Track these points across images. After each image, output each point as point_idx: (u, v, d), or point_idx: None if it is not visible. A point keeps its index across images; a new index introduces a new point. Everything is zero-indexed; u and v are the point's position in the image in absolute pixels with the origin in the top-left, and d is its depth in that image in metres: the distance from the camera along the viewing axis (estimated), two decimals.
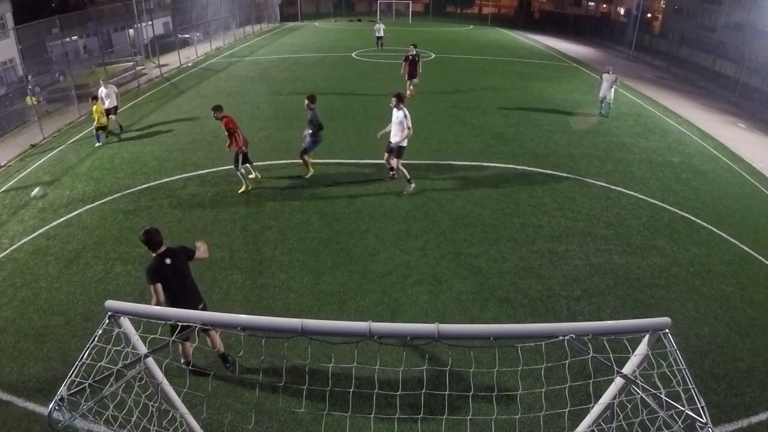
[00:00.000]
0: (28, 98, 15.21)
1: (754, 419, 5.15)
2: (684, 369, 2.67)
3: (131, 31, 25.67)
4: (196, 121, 14.02)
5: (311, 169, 10.33)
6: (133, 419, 3.40)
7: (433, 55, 24.95)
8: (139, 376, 3.23)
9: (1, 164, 11.93)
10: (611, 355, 2.91)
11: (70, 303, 6.71)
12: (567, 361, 3.19)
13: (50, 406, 2.67)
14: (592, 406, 3.35)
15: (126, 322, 3.04)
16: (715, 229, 9.02)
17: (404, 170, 9.65)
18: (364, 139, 12.54)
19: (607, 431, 3.30)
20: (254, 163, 10.35)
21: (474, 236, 8.43)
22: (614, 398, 3.13)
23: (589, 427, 3.36)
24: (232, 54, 25.89)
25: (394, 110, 9.38)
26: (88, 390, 2.81)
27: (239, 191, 9.69)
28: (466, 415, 4.87)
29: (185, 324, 2.93)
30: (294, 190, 9.95)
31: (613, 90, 15.05)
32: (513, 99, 17.18)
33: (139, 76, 19.95)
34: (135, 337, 3.07)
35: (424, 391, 4.31)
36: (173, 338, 3.10)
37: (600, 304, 6.88)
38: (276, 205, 9.33)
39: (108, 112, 12.98)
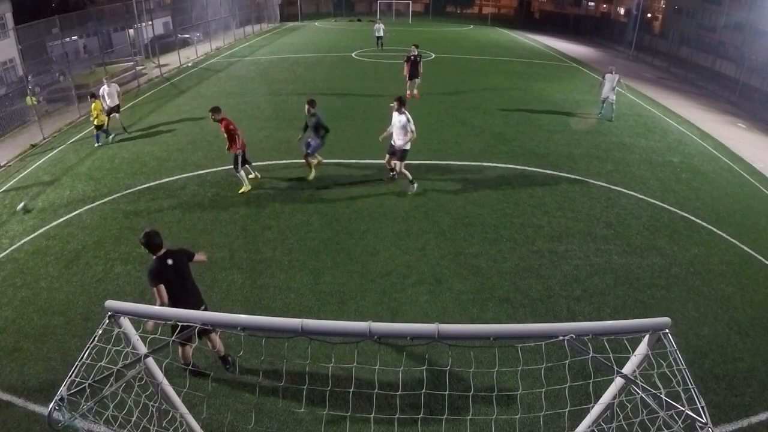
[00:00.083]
0: (28, 98, 15.20)
1: (754, 419, 5.16)
2: (684, 369, 2.67)
3: (131, 31, 25.66)
4: (196, 121, 14.02)
5: (314, 170, 10.25)
6: (133, 419, 3.40)
7: (433, 55, 24.95)
8: (139, 376, 3.23)
9: (1, 164, 11.93)
10: (611, 355, 2.91)
11: (70, 303, 6.71)
12: (567, 361, 3.19)
13: (50, 406, 2.67)
14: (592, 406, 3.36)
15: (126, 322, 3.04)
16: (715, 229, 9.02)
17: (407, 172, 9.65)
18: (364, 140, 12.54)
19: (607, 431, 3.30)
20: (254, 163, 10.36)
21: (474, 236, 8.43)
22: (614, 398, 3.13)
23: (589, 427, 3.36)
24: (232, 54, 25.90)
25: (396, 114, 9.32)
26: (88, 390, 2.81)
27: (239, 191, 9.70)
28: (466, 415, 4.88)
29: (185, 324, 2.92)
30: (294, 190, 9.95)
31: (615, 91, 14.86)
32: (513, 99, 17.18)
33: (139, 76, 19.95)
34: (135, 337, 3.07)
35: (424, 391, 4.31)
36: (173, 338, 3.10)
37: (600, 304, 6.88)
38: (276, 205, 9.33)
39: (110, 111, 12.96)
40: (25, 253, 7.94)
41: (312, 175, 10.22)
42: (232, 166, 9.59)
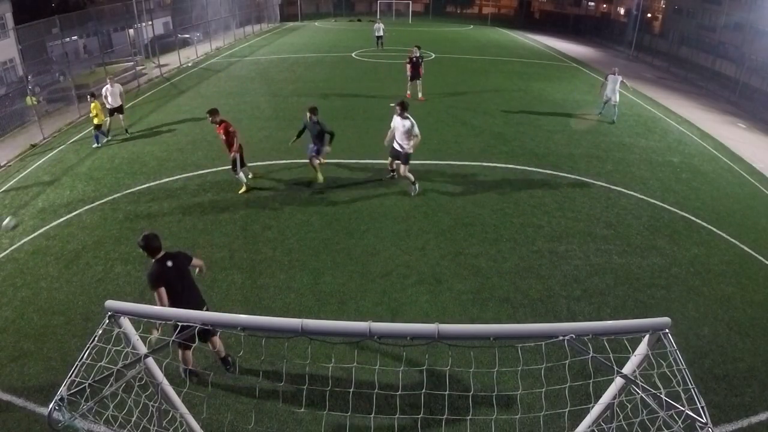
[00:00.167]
0: (28, 98, 15.20)
1: (754, 419, 5.16)
2: (684, 369, 2.67)
3: (131, 31, 25.66)
4: (196, 121, 14.01)
5: (320, 173, 10.00)
6: (133, 419, 3.40)
7: (434, 55, 24.95)
8: (139, 376, 3.23)
9: (1, 164, 11.93)
10: (611, 355, 2.91)
11: (70, 303, 6.71)
12: (567, 361, 3.19)
13: (50, 406, 2.67)
14: (592, 406, 3.36)
15: (126, 322, 3.04)
16: (715, 229, 9.02)
17: (410, 175, 9.62)
18: (364, 140, 12.54)
19: (607, 431, 3.30)
20: (254, 164, 10.36)
21: (474, 236, 8.43)
22: (614, 398, 3.13)
23: (589, 427, 3.36)
24: (232, 54, 25.90)
25: (398, 118, 9.22)
26: (88, 390, 2.81)
27: (239, 191, 9.70)
28: (466, 415, 4.87)
29: (185, 324, 2.92)
30: (294, 190, 9.95)
31: (618, 92, 14.66)
32: (513, 99, 17.18)
33: (139, 76, 19.95)
34: (135, 337, 3.07)
35: (424, 391, 4.31)
36: (173, 338, 3.09)
37: (600, 304, 6.88)
38: (276, 205, 9.33)
39: (112, 111, 12.93)
40: (25, 253, 7.95)
41: (320, 178, 9.99)
42: (231, 170, 9.59)
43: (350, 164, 11.03)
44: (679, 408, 2.65)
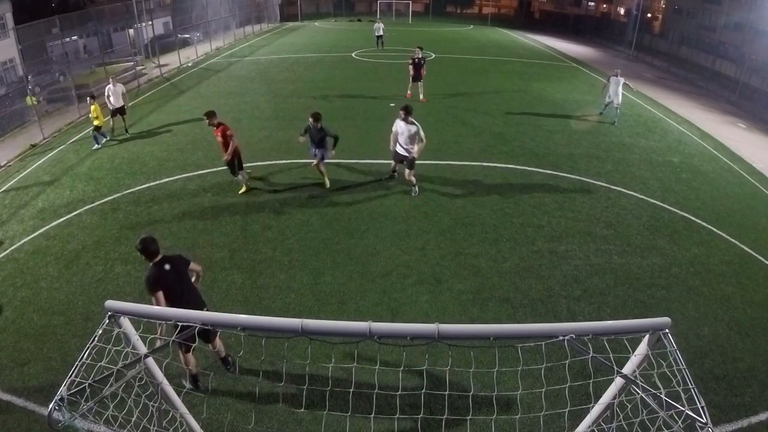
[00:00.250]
0: (28, 98, 15.20)
1: (754, 419, 5.16)
2: (684, 369, 2.67)
3: (131, 31, 25.67)
4: (196, 121, 14.00)
5: (327, 177, 9.94)
6: (133, 419, 3.40)
7: (433, 55, 24.94)
8: (139, 376, 3.23)
9: (1, 164, 11.94)
10: (611, 355, 2.91)
11: (70, 303, 6.71)
12: (567, 361, 3.19)
13: (50, 406, 2.67)
14: (592, 406, 3.36)
15: (126, 322, 3.04)
16: (715, 229, 9.02)
17: (414, 179, 9.61)
18: (364, 140, 12.55)
19: (607, 431, 3.30)
20: (254, 164, 10.36)
21: (474, 236, 8.43)
22: (614, 398, 3.13)
23: (589, 427, 3.36)
24: (232, 54, 25.90)
25: (402, 123, 9.09)
26: (88, 390, 2.81)
27: (239, 192, 9.69)
28: (466, 415, 4.87)
29: (185, 324, 2.92)
30: (294, 190, 9.95)
31: (621, 94, 14.50)
32: (513, 99, 17.18)
33: (139, 76, 19.96)
34: (135, 337, 3.07)
35: (424, 391, 4.31)
36: (173, 338, 3.09)
37: (600, 304, 6.88)
38: (276, 205, 9.33)
39: (114, 112, 12.89)
40: (25, 253, 7.95)
41: (327, 183, 9.92)
42: (230, 172, 9.54)
43: (350, 164, 11.03)
44: (679, 408, 2.65)
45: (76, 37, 25.71)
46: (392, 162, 9.91)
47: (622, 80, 14.40)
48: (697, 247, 8.41)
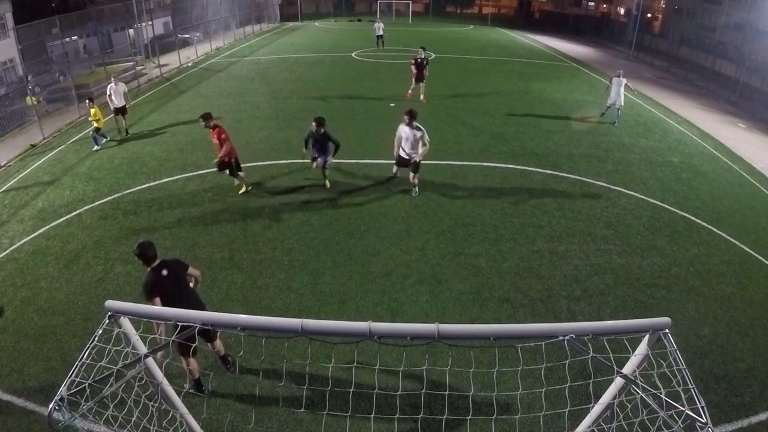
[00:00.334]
0: (28, 98, 15.19)
1: (754, 419, 5.16)
2: (684, 369, 2.67)
3: (131, 31, 25.67)
4: (196, 122, 13.89)
5: (328, 180, 9.97)
6: (133, 419, 3.40)
7: (433, 55, 24.92)
8: (139, 376, 3.23)
9: (1, 164, 11.94)
10: (611, 355, 2.91)
11: (70, 303, 6.71)
12: (567, 361, 3.19)
13: (50, 406, 2.67)
14: (592, 406, 3.36)
15: (126, 322, 3.04)
16: (715, 229, 9.02)
17: (416, 181, 9.59)
18: (364, 140, 12.55)
19: (607, 431, 3.30)
20: (254, 164, 10.35)
21: (474, 236, 8.43)
22: (614, 398, 3.13)
23: (589, 427, 3.36)
24: (232, 54, 25.90)
25: (407, 128, 8.98)
26: (88, 390, 2.81)
27: (239, 192, 9.69)
28: (466, 415, 4.87)
29: (185, 325, 2.92)
30: (294, 190, 9.94)
31: (623, 96, 14.38)
32: (513, 99, 17.18)
33: (139, 76, 19.95)
34: (135, 337, 3.07)
35: (424, 391, 4.31)
36: (173, 338, 3.09)
37: (600, 304, 6.88)
38: (276, 205, 9.33)
39: (117, 111, 12.85)
40: (25, 253, 7.95)
41: (328, 183, 9.93)
42: (230, 175, 9.50)
43: (350, 164, 11.02)
44: (679, 408, 2.65)
45: (76, 37, 25.71)
46: (394, 167, 9.89)
47: (624, 81, 14.29)
48: (697, 247, 8.41)
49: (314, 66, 22.05)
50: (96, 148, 12.23)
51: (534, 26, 42.14)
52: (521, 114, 15.36)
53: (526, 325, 2.76)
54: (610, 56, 30.14)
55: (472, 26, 41.31)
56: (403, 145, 9.21)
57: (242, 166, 9.70)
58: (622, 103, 14.57)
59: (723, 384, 5.58)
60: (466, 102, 16.46)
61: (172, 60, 23.10)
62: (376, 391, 4.05)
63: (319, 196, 9.68)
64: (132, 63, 20.85)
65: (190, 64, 23.07)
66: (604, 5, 44.32)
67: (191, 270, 5.06)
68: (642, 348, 2.91)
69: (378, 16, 41.65)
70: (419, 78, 15.67)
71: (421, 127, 8.91)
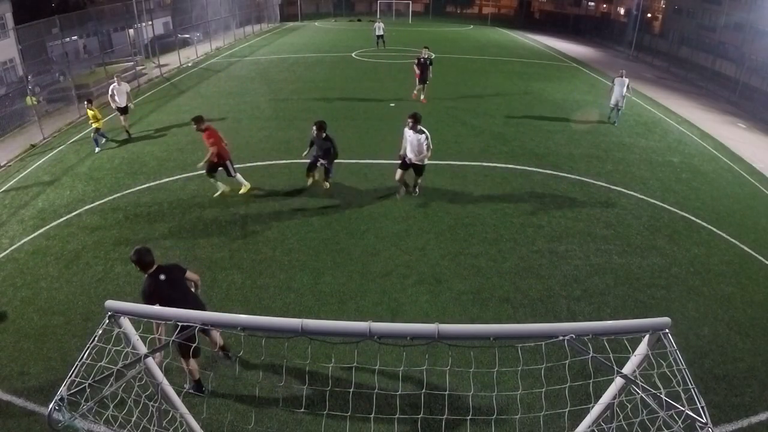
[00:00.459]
0: (28, 98, 15.18)
1: (754, 419, 5.16)
2: (684, 369, 2.67)
3: (131, 31, 25.67)
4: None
5: (312, 179, 9.86)
6: (133, 419, 3.40)
7: (434, 55, 24.91)
8: (139, 376, 3.23)
9: (1, 164, 11.94)
10: (611, 355, 2.91)
11: (70, 303, 6.71)
12: (567, 361, 3.19)
13: (50, 406, 2.67)
14: (592, 406, 3.35)
15: (126, 322, 3.03)
16: (715, 229, 9.02)
17: (420, 181, 9.52)
18: (364, 139, 12.55)
19: (607, 431, 3.29)
20: (254, 164, 10.33)
21: (474, 236, 8.43)
22: (614, 398, 3.13)
23: (589, 427, 3.36)
24: (232, 54, 25.90)
25: (411, 132, 8.75)
26: (88, 390, 2.81)
27: (240, 192, 9.68)
28: (466, 415, 4.88)
29: (185, 325, 2.92)
30: (294, 190, 9.94)
31: (625, 97, 14.27)
32: (513, 99, 17.18)
33: (139, 76, 19.95)
34: (135, 337, 3.07)
35: (424, 391, 4.31)
36: (173, 338, 3.09)
37: (600, 304, 6.88)
38: (276, 205, 9.33)
39: (119, 111, 12.80)
40: (25, 253, 7.95)
41: (328, 183, 9.84)
42: (227, 174, 9.43)
43: (350, 164, 11.02)
44: (679, 408, 2.65)
45: (76, 37, 25.71)
46: (398, 191, 9.57)
47: (626, 81, 14.14)
48: (697, 247, 8.41)
49: (314, 66, 22.05)
50: (97, 149, 12.16)
51: (534, 26, 42.14)
52: (521, 114, 15.36)
53: (526, 325, 2.75)
54: (610, 56, 30.14)
55: (472, 26, 41.31)
56: (407, 149, 8.99)
57: (242, 166, 9.69)
58: (623, 104, 14.49)
59: (723, 384, 5.58)
60: (466, 102, 16.46)
61: (172, 60, 23.10)
62: (376, 391, 4.05)
63: (319, 196, 9.68)
64: (132, 63, 20.85)
65: (190, 64, 23.07)
66: (604, 5, 44.32)
67: (189, 274, 5.03)
68: (642, 348, 2.90)
69: (378, 16, 41.65)
70: (423, 78, 15.58)
71: (425, 130, 8.72)
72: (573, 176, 10.87)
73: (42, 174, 11.07)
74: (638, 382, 2.87)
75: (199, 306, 5.02)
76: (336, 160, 9.59)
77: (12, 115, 14.96)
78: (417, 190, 9.67)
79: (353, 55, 25.03)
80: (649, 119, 15.92)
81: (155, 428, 3.50)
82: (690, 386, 2.62)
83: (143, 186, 10.11)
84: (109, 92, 12.79)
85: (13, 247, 8.09)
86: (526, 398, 5.10)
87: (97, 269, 7.46)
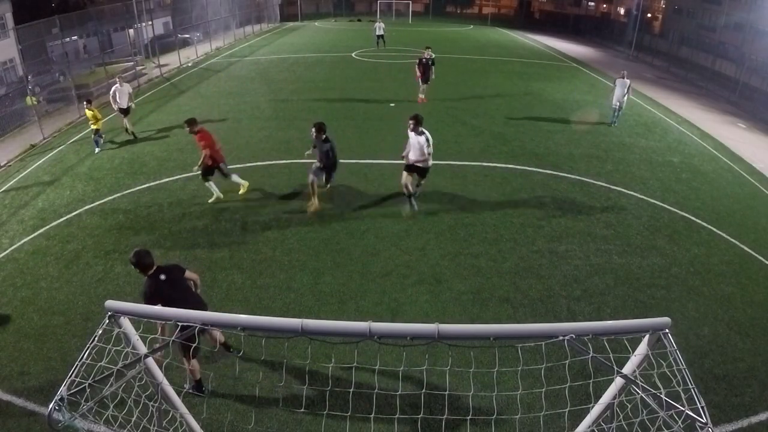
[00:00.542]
0: (28, 98, 15.18)
1: (754, 419, 5.16)
2: (684, 369, 2.67)
3: (131, 31, 25.68)
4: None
5: (316, 200, 9.05)
6: (133, 419, 3.40)
7: (434, 56, 24.92)
8: (139, 376, 3.23)
9: (1, 164, 11.94)
10: (611, 355, 2.90)
11: (70, 303, 6.71)
12: (567, 361, 3.19)
13: (50, 406, 2.67)
14: (592, 406, 3.35)
15: (126, 322, 3.03)
16: (715, 229, 9.02)
17: (421, 187, 9.35)
18: (364, 139, 12.55)
19: (607, 431, 3.29)
20: (254, 164, 10.32)
21: (474, 236, 8.43)
22: (614, 398, 3.13)
23: (589, 427, 3.36)
24: (232, 54, 25.90)
25: (412, 133, 8.49)
26: (88, 390, 2.81)
27: (239, 192, 9.66)
28: (466, 415, 4.88)
29: (185, 325, 2.92)
30: (294, 190, 9.94)
31: (626, 98, 14.13)
32: (513, 99, 17.19)
33: (139, 76, 19.95)
34: (135, 337, 3.07)
35: (424, 391, 4.31)
36: (173, 338, 3.09)
37: (600, 304, 6.88)
38: (276, 205, 9.32)
39: (120, 112, 12.77)
40: (25, 253, 7.95)
41: (315, 203, 9.03)
42: (225, 175, 9.33)
43: (350, 164, 11.02)
44: (679, 408, 2.65)
45: (76, 37, 25.72)
46: (404, 176, 8.95)
47: (628, 82, 13.97)
48: (697, 247, 8.41)
49: (314, 66, 22.05)
50: (97, 150, 12.15)
51: (534, 26, 42.14)
52: (521, 114, 15.36)
53: (526, 325, 2.75)
54: (610, 56, 30.14)
55: (472, 26, 41.31)
56: (410, 152, 8.69)
57: (242, 166, 9.68)
58: (625, 105, 14.38)
59: (723, 384, 5.58)
60: (466, 102, 16.46)
61: (172, 60, 23.10)
62: (376, 391, 4.05)
63: (319, 196, 9.65)
64: (132, 63, 20.86)
65: (190, 64, 23.07)
66: (604, 5, 44.33)
67: (189, 273, 5.04)
68: (642, 348, 2.90)
69: (378, 16, 41.64)
70: (425, 79, 15.51)
71: (425, 132, 8.44)
72: (573, 176, 10.87)
73: (42, 174, 11.07)
74: (638, 382, 2.87)
75: (201, 305, 5.04)
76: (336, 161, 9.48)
77: (12, 115, 14.96)
78: (418, 188, 9.58)
79: (353, 55, 25.04)
80: (649, 119, 15.92)
81: (155, 428, 3.50)
82: (690, 386, 2.62)
83: (143, 186, 10.11)
84: (111, 93, 12.76)
85: (13, 247, 8.09)
86: (526, 398, 5.10)
87: (97, 269, 7.46)
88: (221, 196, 9.45)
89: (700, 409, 2.55)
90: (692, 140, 14.22)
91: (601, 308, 6.78)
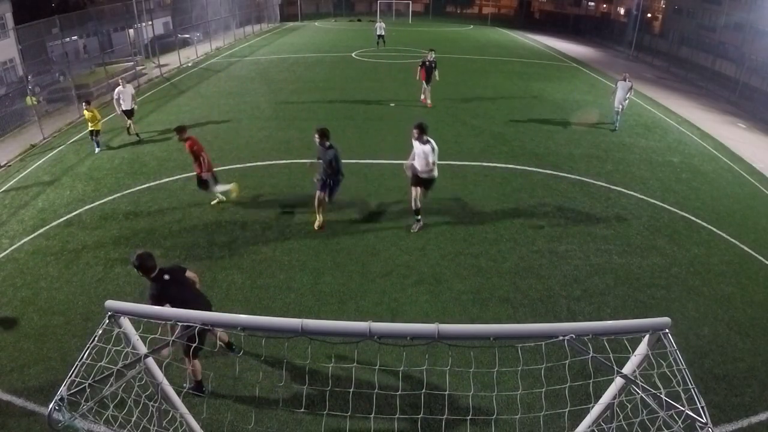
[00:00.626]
0: (28, 98, 15.18)
1: (754, 419, 5.16)
2: (684, 369, 2.66)
3: (131, 31, 25.68)
4: (196, 122, 14.01)
5: (321, 218, 8.56)
6: (133, 419, 3.40)
7: (434, 55, 24.91)
8: (139, 376, 3.23)
9: (1, 164, 11.93)
10: (611, 355, 2.90)
11: (70, 303, 6.71)
12: (567, 361, 3.18)
13: (50, 406, 2.67)
14: (592, 406, 3.35)
15: (126, 322, 3.03)
16: (715, 229, 9.02)
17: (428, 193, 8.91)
18: (364, 139, 12.55)
19: (607, 431, 3.29)
20: (254, 164, 10.31)
21: (474, 236, 8.43)
22: (614, 398, 3.13)
23: (589, 427, 3.36)
24: (232, 54, 25.90)
25: (416, 142, 8.01)
26: (88, 390, 2.81)
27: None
28: (466, 415, 4.88)
29: (186, 324, 2.92)
30: (294, 190, 9.94)
31: (627, 100, 13.90)
32: (513, 99, 17.19)
33: (139, 76, 19.96)
34: (135, 337, 3.07)
35: (424, 391, 4.31)
36: (173, 337, 3.09)
37: (600, 304, 6.88)
38: (276, 205, 9.32)
39: (124, 114, 12.74)
40: (25, 253, 7.95)
41: (320, 220, 8.56)
42: (207, 190, 9.06)
43: (350, 164, 11.00)
44: (679, 408, 2.65)
45: (76, 37, 25.73)
46: (412, 189, 8.43)
47: (629, 85, 13.68)
48: (697, 247, 8.41)
49: (314, 66, 22.05)
50: (97, 150, 12.13)
51: (534, 26, 42.15)
52: (521, 114, 15.36)
53: (526, 325, 2.75)
54: (610, 56, 30.14)
55: (472, 26, 41.32)
56: (415, 162, 8.15)
57: (242, 166, 9.66)
58: (626, 106, 14.17)
59: (723, 384, 5.58)
60: (466, 102, 16.46)
61: (172, 60, 23.10)
62: (376, 391, 4.05)
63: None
64: (132, 63, 20.85)
65: (190, 64, 23.06)
66: (604, 5, 44.33)
67: (189, 273, 5.08)
68: (642, 348, 2.90)
69: (378, 16, 41.60)
70: (428, 81, 15.40)
71: (431, 141, 7.89)
72: (573, 176, 10.87)
73: (42, 174, 11.07)
74: (638, 382, 2.87)
75: (206, 302, 5.08)
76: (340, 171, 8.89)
77: (12, 115, 14.96)
78: (421, 223, 8.80)
79: (353, 55, 25.03)
80: (649, 119, 15.92)
81: (155, 428, 3.50)
82: (690, 386, 2.61)
83: (143, 186, 10.11)
84: (115, 96, 12.73)
85: (13, 247, 8.09)
86: (526, 398, 5.10)
87: (97, 269, 7.46)
88: (224, 198, 9.42)
89: (700, 409, 2.54)
90: (692, 140, 14.22)
91: (601, 308, 6.78)
